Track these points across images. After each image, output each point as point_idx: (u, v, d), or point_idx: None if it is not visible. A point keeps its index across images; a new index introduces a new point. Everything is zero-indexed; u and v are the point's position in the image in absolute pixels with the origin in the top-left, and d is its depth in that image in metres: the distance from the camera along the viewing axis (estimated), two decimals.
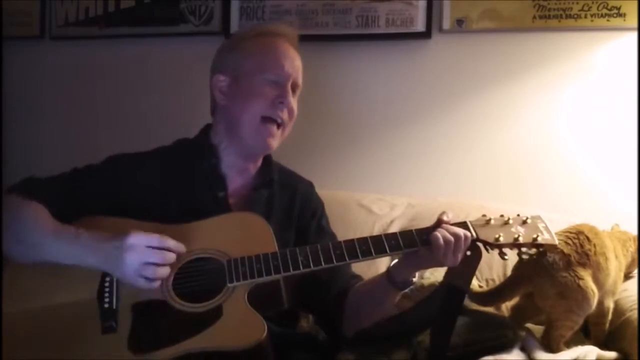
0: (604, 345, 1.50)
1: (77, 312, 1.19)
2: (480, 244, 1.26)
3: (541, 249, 1.27)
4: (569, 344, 1.48)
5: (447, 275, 1.30)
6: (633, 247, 1.62)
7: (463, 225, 1.27)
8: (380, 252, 1.24)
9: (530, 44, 2.04)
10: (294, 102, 1.43)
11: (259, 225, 1.30)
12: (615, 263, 1.53)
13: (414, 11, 2.10)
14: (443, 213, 1.27)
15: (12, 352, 1.14)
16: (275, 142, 1.41)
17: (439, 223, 1.26)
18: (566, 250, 1.47)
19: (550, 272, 1.45)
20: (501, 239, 1.24)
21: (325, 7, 2.15)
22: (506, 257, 1.25)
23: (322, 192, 1.65)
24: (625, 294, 1.60)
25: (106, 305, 1.18)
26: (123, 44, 2.33)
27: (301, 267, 1.21)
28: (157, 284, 1.19)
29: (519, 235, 1.25)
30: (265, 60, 1.40)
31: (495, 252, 1.26)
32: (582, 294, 1.44)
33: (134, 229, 1.20)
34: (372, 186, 2.09)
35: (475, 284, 1.63)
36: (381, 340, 1.52)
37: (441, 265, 1.28)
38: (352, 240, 1.25)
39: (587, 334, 1.60)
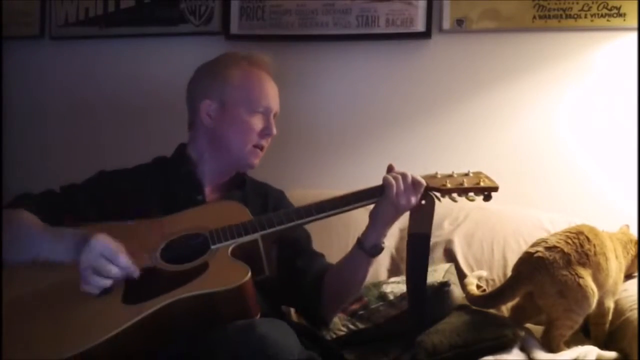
0: (604, 345, 1.51)
1: (71, 286, 1.24)
2: (432, 193, 1.42)
3: (486, 193, 1.43)
4: (569, 343, 1.48)
5: (409, 227, 1.44)
6: (634, 250, 1.62)
7: None
8: (346, 204, 1.40)
9: (530, 44, 2.04)
10: (275, 131, 1.57)
11: (237, 208, 1.42)
12: (615, 264, 1.54)
13: (414, 11, 2.09)
14: (390, 164, 1.44)
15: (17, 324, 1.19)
16: (258, 162, 1.57)
17: (388, 170, 1.43)
18: (566, 249, 1.48)
19: (550, 270, 1.46)
20: (448, 184, 1.41)
21: (325, 7, 2.15)
22: (456, 201, 1.42)
23: (321, 192, 1.65)
24: (625, 294, 1.60)
25: None
26: (123, 44, 2.32)
27: (276, 224, 1.34)
28: (98, 288, 1.22)
29: (463, 181, 1.42)
30: (253, 93, 1.53)
31: (446, 199, 1.42)
32: (581, 293, 1.44)
33: (111, 230, 1.29)
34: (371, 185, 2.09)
35: (474, 288, 1.64)
36: (381, 340, 1.53)
37: (398, 209, 1.39)
38: (320, 201, 1.40)
39: (587, 334, 1.61)
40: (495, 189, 1.43)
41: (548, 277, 1.46)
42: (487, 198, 1.43)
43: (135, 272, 1.24)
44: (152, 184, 1.53)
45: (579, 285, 1.44)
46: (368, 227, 1.44)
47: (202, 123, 1.56)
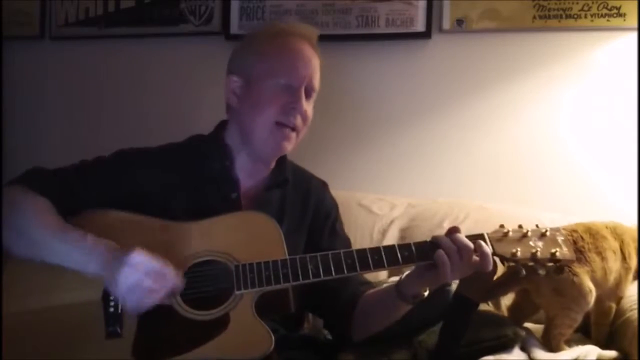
0: (604, 345, 1.51)
1: (81, 314, 1.17)
2: (496, 258, 1.21)
3: (558, 264, 1.22)
4: (570, 343, 1.49)
5: (460, 286, 1.27)
6: None
7: (480, 237, 1.21)
8: (393, 263, 1.20)
9: (530, 44, 2.04)
10: (308, 106, 1.37)
11: (268, 227, 1.26)
12: (616, 263, 1.53)
13: (414, 11, 2.10)
14: (453, 227, 1.22)
15: (13, 353, 1.13)
16: (290, 146, 1.38)
17: (449, 232, 1.21)
18: None
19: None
20: (518, 254, 1.19)
21: (325, 7, 2.15)
22: (523, 272, 1.21)
23: None
24: (625, 294, 1.60)
25: (111, 310, 1.16)
26: (123, 44, 2.33)
27: (311, 276, 1.18)
28: (143, 309, 1.14)
29: (537, 250, 1.20)
30: (278, 64, 1.34)
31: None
32: (577, 290, 1.44)
33: (139, 230, 1.19)
34: (372, 186, 2.09)
35: None
36: (381, 340, 1.52)
37: (453, 279, 1.22)
38: (365, 250, 1.21)
39: (587, 333, 1.61)
40: (572, 261, 1.23)
41: (544, 275, 1.46)
42: (559, 271, 1.22)
43: (179, 289, 1.16)
44: (183, 171, 1.37)
45: (574, 282, 1.44)
46: (410, 278, 1.28)
47: (229, 104, 1.40)
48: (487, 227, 1.85)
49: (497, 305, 1.67)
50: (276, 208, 1.39)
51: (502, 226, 1.25)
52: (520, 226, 1.25)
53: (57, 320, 1.17)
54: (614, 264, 1.52)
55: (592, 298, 1.45)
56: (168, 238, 1.23)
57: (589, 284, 1.45)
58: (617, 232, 1.57)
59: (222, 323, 1.14)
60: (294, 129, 1.35)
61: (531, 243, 1.21)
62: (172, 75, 2.28)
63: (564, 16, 2.00)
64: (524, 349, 1.46)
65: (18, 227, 1.21)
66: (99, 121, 2.34)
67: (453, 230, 1.20)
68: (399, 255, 1.20)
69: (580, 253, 1.47)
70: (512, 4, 2.03)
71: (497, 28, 2.05)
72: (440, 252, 1.17)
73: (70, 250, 1.17)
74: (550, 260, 1.20)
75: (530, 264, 1.20)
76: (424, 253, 1.20)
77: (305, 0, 2.17)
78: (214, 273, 1.20)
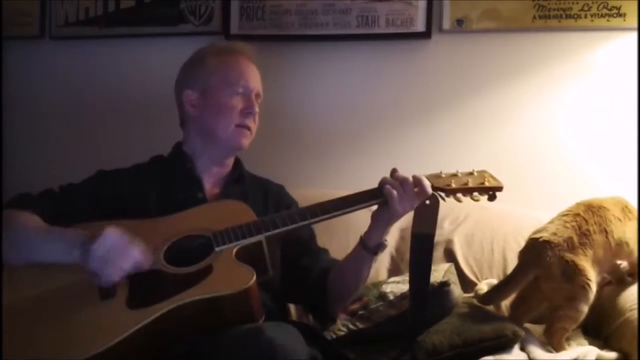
0: (603, 345, 1.51)
1: (76, 288, 1.24)
2: (436, 193, 1.41)
3: (490, 193, 1.41)
4: (569, 341, 1.49)
5: (413, 226, 1.43)
6: None
7: None
8: (349, 205, 1.39)
9: (530, 44, 2.04)
10: (257, 109, 1.58)
11: (240, 208, 1.41)
12: (624, 223, 1.56)
13: (414, 11, 2.10)
14: (393, 168, 1.41)
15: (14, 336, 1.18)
16: (247, 142, 1.56)
17: (391, 172, 1.41)
18: (566, 234, 1.52)
19: (557, 253, 1.50)
20: (453, 184, 1.41)
21: (325, 7, 2.15)
22: (461, 201, 1.42)
23: (322, 192, 1.66)
24: (625, 294, 1.60)
25: None
26: (123, 44, 2.32)
27: (280, 226, 1.33)
28: (110, 283, 1.22)
29: (468, 182, 1.41)
30: (231, 75, 1.55)
31: (451, 198, 1.42)
32: (583, 277, 1.47)
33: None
34: (372, 186, 2.09)
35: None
36: (381, 340, 1.53)
37: (401, 214, 1.39)
38: (324, 202, 1.39)
39: (587, 333, 1.61)
40: (500, 188, 1.41)
41: (555, 258, 1.50)
42: (492, 198, 1.42)
43: (146, 264, 1.25)
44: (152, 183, 1.52)
45: (585, 267, 1.48)
46: (370, 227, 1.44)
47: (188, 115, 1.58)
48: (487, 227, 1.88)
49: (497, 305, 1.67)
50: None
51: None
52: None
53: (54, 295, 1.25)
54: (621, 228, 1.55)
55: (594, 287, 1.48)
56: (145, 228, 1.34)
57: (592, 272, 1.49)
58: (620, 202, 1.62)
59: (206, 272, 1.24)
60: (249, 129, 1.55)
61: (462, 178, 1.43)
62: (172, 75, 2.27)
63: (564, 16, 2.00)
64: (523, 349, 1.46)
65: (8, 238, 1.32)
66: (99, 121, 2.34)
67: (394, 171, 1.41)
68: (352, 200, 1.40)
69: (585, 237, 1.51)
70: (512, 4, 2.03)
71: (497, 28, 2.05)
72: (387, 186, 1.37)
73: (54, 244, 1.29)
74: (481, 188, 1.41)
75: (466, 195, 1.41)
76: (374, 194, 1.40)
77: (306, 0, 2.17)
78: (195, 243, 1.33)
